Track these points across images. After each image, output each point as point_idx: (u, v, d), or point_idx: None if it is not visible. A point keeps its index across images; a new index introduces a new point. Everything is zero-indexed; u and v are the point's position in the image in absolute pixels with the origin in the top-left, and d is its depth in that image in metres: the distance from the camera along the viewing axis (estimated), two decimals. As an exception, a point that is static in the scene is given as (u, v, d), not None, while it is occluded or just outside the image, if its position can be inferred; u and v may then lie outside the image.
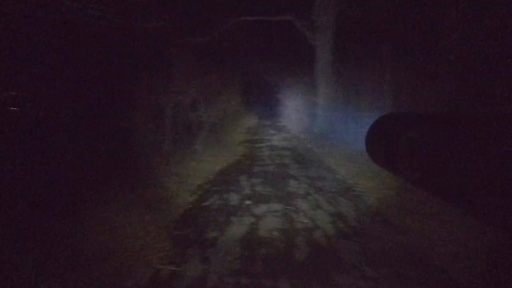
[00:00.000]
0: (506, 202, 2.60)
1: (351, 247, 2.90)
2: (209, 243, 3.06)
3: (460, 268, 2.53)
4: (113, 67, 6.58)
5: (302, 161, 6.81)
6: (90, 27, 4.79)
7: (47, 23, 4.05)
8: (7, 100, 3.93)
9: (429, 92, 6.25)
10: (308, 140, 9.62)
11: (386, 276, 2.44)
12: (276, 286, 2.34)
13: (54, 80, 4.40)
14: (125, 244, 3.03)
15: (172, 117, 8.35)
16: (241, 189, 4.80)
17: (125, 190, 4.44)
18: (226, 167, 6.35)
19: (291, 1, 11.35)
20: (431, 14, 6.36)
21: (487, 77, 5.14)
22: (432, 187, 3.81)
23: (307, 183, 5.05)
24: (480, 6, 5.55)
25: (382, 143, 4.70)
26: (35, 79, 4.23)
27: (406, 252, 2.82)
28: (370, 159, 5.53)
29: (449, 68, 5.91)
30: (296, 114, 13.00)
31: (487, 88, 5.20)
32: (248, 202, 4.21)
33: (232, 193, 4.58)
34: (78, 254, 2.77)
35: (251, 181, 5.20)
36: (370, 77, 7.45)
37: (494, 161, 2.79)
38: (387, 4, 7.53)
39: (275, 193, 4.57)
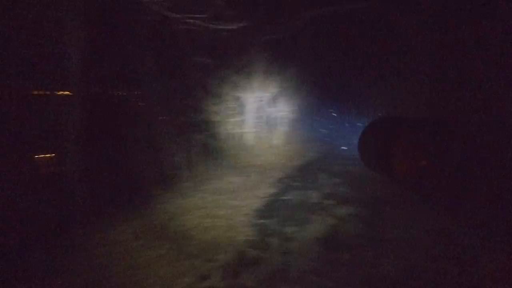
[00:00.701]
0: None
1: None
2: (289, 237, 3.10)
3: None
4: (202, 67, 7.25)
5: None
6: (185, 32, 5.32)
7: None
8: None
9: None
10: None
11: None
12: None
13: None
14: (215, 223, 3.38)
15: (253, 112, 8.81)
16: (321, 187, 4.66)
17: (213, 176, 4.96)
18: (305, 163, 6.29)
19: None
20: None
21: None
22: (428, 193, 3.76)
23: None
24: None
25: (376, 147, 4.54)
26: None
27: None
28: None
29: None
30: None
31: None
32: (328, 201, 4.05)
33: (311, 191, 4.49)
34: (181, 227, 3.27)
35: (332, 180, 4.99)
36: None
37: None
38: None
39: (358, 196, 4.25)
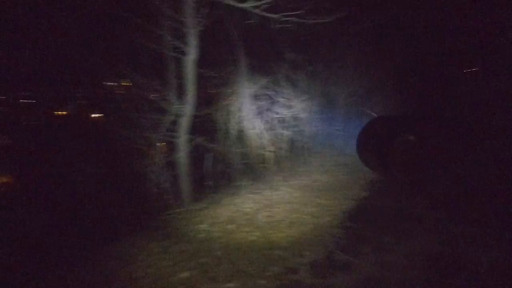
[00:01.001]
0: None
1: None
2: (386, 248, 2.78)
3: None
4: (293, 63, 7.24)
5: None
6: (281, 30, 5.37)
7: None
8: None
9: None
10: None
11: None
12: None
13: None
14: (302, 219, 3.38)
15: (343, 108, 8.28)
16: (427, 195, 3.96)
17: (300, 173, 4.95)
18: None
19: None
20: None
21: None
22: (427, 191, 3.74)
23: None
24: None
25: (375, 147, 4.53)
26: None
27: None
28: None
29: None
30: None
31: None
32: (437, 214, 3.41)
33: (414, 198, 3.88)
34: (269, 217, 3.42)
35: (441, 189, 4.16)
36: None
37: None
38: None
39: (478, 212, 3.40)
